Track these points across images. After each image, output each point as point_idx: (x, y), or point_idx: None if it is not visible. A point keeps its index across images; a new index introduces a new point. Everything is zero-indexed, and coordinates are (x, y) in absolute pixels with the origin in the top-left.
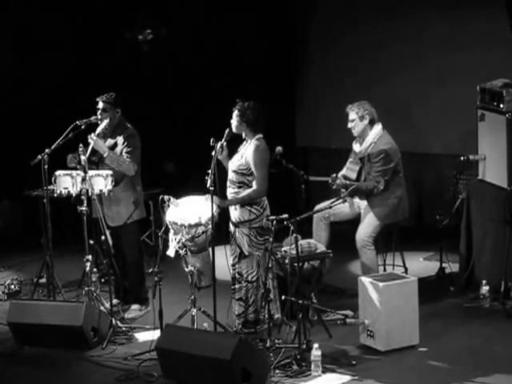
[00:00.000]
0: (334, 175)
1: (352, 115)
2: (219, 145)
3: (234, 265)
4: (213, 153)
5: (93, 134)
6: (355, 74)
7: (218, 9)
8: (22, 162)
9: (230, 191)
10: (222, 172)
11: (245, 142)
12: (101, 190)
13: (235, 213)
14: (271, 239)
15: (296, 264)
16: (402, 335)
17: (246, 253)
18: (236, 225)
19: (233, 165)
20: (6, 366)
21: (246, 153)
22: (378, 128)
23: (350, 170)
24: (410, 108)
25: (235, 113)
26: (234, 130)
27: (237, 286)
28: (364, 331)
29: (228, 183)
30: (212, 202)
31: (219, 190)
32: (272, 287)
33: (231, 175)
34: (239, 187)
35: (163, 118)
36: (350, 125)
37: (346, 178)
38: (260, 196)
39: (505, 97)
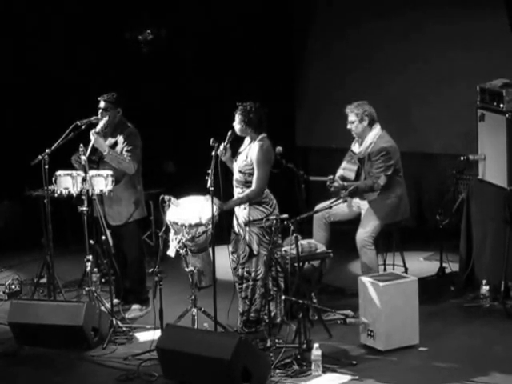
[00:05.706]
0: (331, 177)
1: (352, 117)
2: (222, 146)
3: (243, 263)
4: (213, 153)
5: (94, 130)
6: (355, 73)
7: (217, 8)
8: (22, 162)
9: (238, 191)
10: (223, 173)
11: (247, 142)
12: (101, 190)
13: (244, 212)
14: (275, 239)
15: (296, 264)
16: (402, 335)
17: (255, 252)
18: (245, 224)
19: (238, 166)
20: (6, 365)
21: (251, 153)
22: (377, 128)
23: (348, 170)
24: (410, 108)
25: (239, 117)
26: (238, 133)
27: (244, 285)
28: (364, 331)
29: (235, 183)
30: (212, 202)
31: (221, 191)
32: (278, 288)
33: (238, 175)
34: (248, 187)
35: (163, 117)
36: (349, 126)
37: (344, 178)
38: (258, 196)
39: (505, 97)
